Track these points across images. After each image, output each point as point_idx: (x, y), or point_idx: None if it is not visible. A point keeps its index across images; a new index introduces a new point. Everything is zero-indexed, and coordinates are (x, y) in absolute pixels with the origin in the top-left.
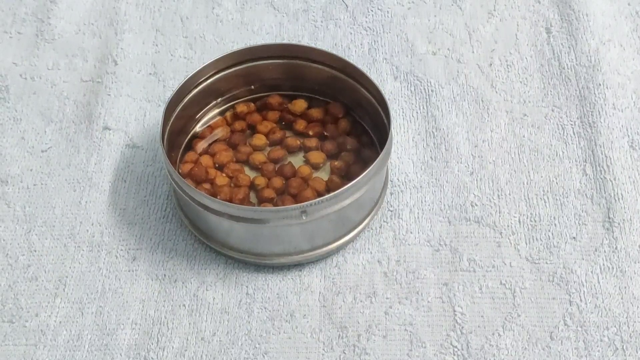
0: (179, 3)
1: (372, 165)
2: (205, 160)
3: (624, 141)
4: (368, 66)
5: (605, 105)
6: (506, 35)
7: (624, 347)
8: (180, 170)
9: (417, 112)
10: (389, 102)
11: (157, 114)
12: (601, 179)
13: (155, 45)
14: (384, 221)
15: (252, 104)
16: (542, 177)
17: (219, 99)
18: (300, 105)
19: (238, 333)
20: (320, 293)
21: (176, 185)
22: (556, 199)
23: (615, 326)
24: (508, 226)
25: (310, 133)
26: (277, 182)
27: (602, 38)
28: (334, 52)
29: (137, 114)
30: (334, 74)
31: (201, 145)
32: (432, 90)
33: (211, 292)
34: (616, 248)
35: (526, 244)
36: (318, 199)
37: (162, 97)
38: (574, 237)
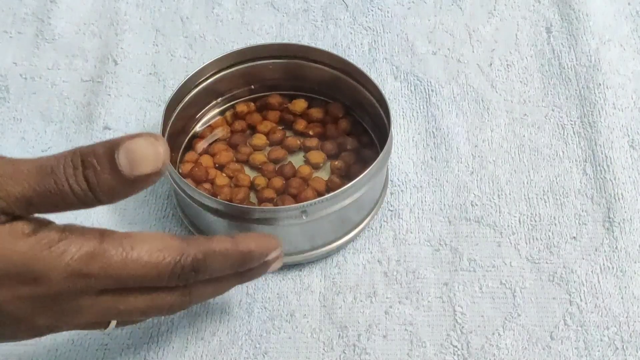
0: (179, 3)
1: (372, 165)
2: (206, 160)
3: (624, 141)
4: (368, 66)
5: (605, 105)
6: (506, 35)
7: (624, 347)
8: (180, 170)
9: (417, 112)
10: (389, 102)
11: (157, 114)
12: (601, 178)
13: (155, 45)
14: (384, 221)
15: (252, 104)
16: (542, 177)
17: (219, 99)
18: (300, 105)
19: (238, 333)
20: (320, 293)
21: (176, 185)
22: (556, 199)
23: (615, 326)
24: (508, 226)
25: (311, 133)
26: (277, 182)
27: (602, 38)
28: (334, 52)
29: (137, 114)
30: (334, 74)
31: (201, 145)
32: (432, 90)
33: None
34: (616, 248)
35: (526, 243)
36: (318, 199)
37: (162, 97)
38: (574, 237)
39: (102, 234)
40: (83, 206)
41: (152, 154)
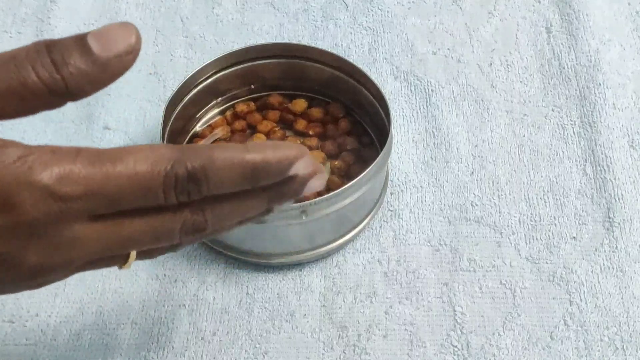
0: (179, 3)
1: (372, 165)
2: None
3: (624, 141)
4: (368, 66)
5: (605, 105)
6: (506, 35)
7: (624, 347)
8: None
9: (417, 112)
10: (389, 102)
11: (157, 114)
12: (601, 178)
13: (155, 45)
14: (384, 221)
15: (252, 104)
16: (542, 177)
17: (219, 99)
18: (300, 104)
19: (238, 333)
20: (320, 293)
21: None
22: (556, 199)
23: (615, 326)
24: (508, 226)
25: (311, 133)
26: None
27: (602, 38)
28: (334, 52)
29: (137, 114)
30: (334, 74)
31: None
32: (432, 90)
33: (211, 292)
34: (616, 248)
35: (526, 243)
36: (318, 199)
37: (162, 97)
38: (574, 237)
39: (78, 150)
40: (53, 98)
41: (125, 34)
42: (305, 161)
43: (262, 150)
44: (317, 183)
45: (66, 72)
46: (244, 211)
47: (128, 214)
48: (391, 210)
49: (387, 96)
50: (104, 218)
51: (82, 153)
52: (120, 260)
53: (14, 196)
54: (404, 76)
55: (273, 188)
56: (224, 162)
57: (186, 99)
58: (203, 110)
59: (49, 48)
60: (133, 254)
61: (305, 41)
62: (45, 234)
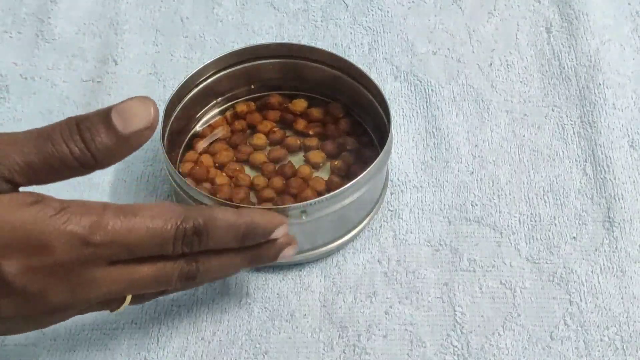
0: (179, 3)
1: (372, 165)
2: (206, 159)
3: (624, 141)
4: (368, 66)
5: (605, 105)
6: (506, 35)
7: (624, 347)
8: (180, 170)
9: (417, 112)
10: (389, 102)
11: None
12: (601, 178)
13: (155, 45)
14: (384, 221)
15: (252, 104)
16: (542, 177)
17: (219, 99)
18: (300, 104)
19: (238, 333)
20: (320, 293)
21: (176, 184)
22: (556, 199)
23: (615, 326)
24: (508, 226)
25: (311, 133)
26: (277, 182)
27: (602, 38)
28: (334, 52)
29: None
30: (334, 74)
31: (201, 145)
32: (432, 90)
33: (211, 292)
34: (616, 248)
35: (526, 243)
36: (318, 199)
37: (162, 97)
38: (574, 237)
39: (104, 205)
40: (82, 169)
41: (144, 110)
42: (285, 229)
43: (253, 214)
44: (289, 252)
45: (94, 148)
46: (227, 267)
47: (138, 261)
48: (391, 210)
49: (387, 96)
50: (119, 263)
51: (108, 207)
52: (115, 304)
53: (53, 242)
54: (404, 76)
55: (254, 250)
56: (222, 221)
57: (186, 99)
58: (203, 110)
59: (78, 126)
60: (127, 299)
61: (305, 41)
62: (72, 275)
